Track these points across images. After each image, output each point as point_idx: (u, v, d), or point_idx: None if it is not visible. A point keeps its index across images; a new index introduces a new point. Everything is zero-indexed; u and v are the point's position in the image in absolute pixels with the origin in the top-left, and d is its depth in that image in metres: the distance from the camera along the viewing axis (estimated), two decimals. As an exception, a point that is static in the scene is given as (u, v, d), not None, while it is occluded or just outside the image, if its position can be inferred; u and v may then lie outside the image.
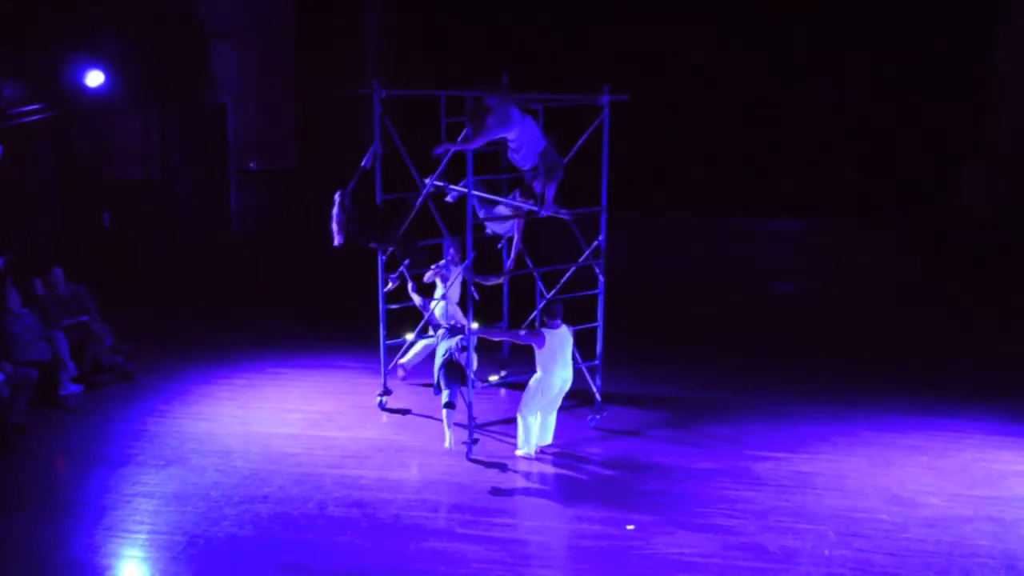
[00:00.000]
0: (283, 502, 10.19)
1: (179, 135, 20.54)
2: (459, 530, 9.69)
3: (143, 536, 9.51)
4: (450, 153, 11.29)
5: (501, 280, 12.66)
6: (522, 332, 11.44)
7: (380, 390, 12.92)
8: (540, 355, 11.12)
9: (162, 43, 18.87)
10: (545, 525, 9.90)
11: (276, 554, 9.21)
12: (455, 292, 13.03)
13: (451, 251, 12.95)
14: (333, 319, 16.54)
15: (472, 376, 11.60)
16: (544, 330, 11.12)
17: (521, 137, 11.24)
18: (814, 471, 11.19)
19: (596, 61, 18.91)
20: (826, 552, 9.44)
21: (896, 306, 17.96)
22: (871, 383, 14.04)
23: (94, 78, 16.26)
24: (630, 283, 14.89)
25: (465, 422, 11.42)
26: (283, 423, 12.26)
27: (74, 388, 13.09)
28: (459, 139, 11.67)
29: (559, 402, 11.45)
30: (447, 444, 11.46)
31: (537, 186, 11.61)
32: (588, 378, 12.31)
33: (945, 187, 20.78)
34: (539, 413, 11.33)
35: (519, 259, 12.27)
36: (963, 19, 20.06)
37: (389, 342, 13.06)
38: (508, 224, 12.09)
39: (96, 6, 17.44)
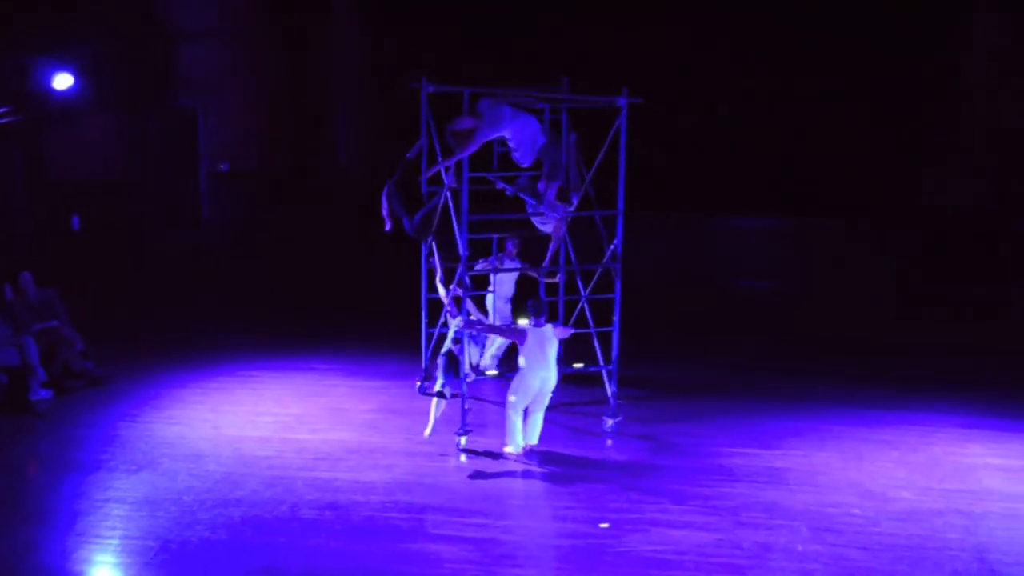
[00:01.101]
0: (256, 505, 10.14)
1: (149, 138, 20.45)
2: (433, 531, 9.67)
3: (115, 542, 9.44)
4: (453, 161, 11.30)
5: (556, 279, 12.99)
6: (505, 327, 11.49)
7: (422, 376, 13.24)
8: (522, 352, 11.17)
9: (131, 46, 18.79)
10: (519, 524, 9.90)
11: (249, 558, 9.16)
12: (507, 287, 13.11)
13: (509, 245, 13.28)
14: (304, 321, 16.52)
15: (468, 370, 11.65)
16: (527, 327, 11.15)
17: (516, 136, 11.27)
18: (787, 467, 11.23)
19: (572, 58, 18.97)
20: (799, 547, 9.47)
21: (868, 302, 18.05)
22: (843, 379, 14.14)
23: (63, 81, 16.18)
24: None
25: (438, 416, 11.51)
26: (255, 426, 12.22)
27: (44, 393, 13.03)
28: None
29: (545, 401, 11.43)
30: (426, 432, 11.54)
31: (541, 185, 11.64)
32: (606, 381, 12.30)
33: (916, 183, 20.93)
34: (525, 411, 11.35)
35: (554, 258, 12.67)
36: (930, 14, 20.23)
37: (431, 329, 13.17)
38: (551, 224, 12.39)
39: (65, 10, 17.36)
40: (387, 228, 12.35)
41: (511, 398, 11.26)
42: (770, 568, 9.11)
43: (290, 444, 11.69)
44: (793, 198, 20.35)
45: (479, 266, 13.02)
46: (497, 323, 12.94)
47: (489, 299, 13.31)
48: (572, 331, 11.85)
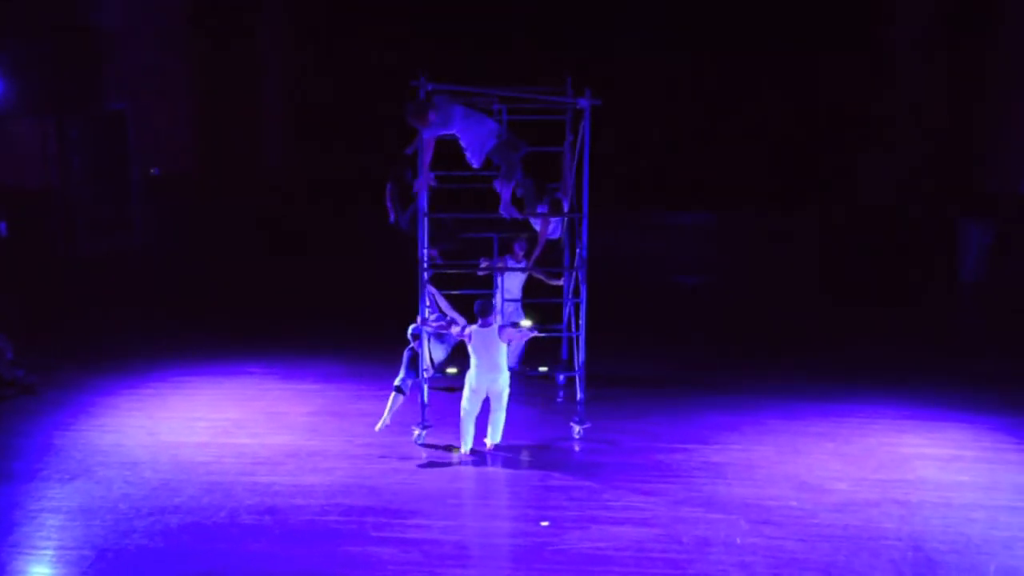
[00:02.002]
0: (194, 512, 10.04)
1: (77, 142, 20.17)
2: (374, 533, 9.63)
3: (50, 552, 9.30)
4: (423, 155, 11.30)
5: (561, 282, 13.16)
6: (456, 325, 11.47)
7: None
8: (470, 351, 11.20)
9: (57, 49, 18.52)
10: (460, 525, 9.88)
11: (188, 565, 9.07)
12: (513, 289, 13.29)
13: (516, 247, 13.27)
14: (239, 325, 16.36)
15: (428, 367, 11.70)
16: (474, 327, 11.13)
17: (466, 136, 11.22)
18: (725, 461, 11.32)
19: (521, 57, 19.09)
20: (738, 540, 9.55)
21: (802, 296, 18.24)
22: (778, 373, 14.28)
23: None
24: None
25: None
26: (191, 432, 12.08)
27: (-26, 403, 12.81)
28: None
29: (502, 401, 11.39)
30: (377, 426, 11.61)
31: (497, 185, 11.62)
32: (578, 387, 12.12)
33: (847, 178, 21.24)
34: (485, 411, 11.35)
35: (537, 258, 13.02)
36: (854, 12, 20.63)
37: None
38: (552, 226, 12.74)
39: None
40: (390, 220, 12.48)
41: (463, 398, 11.30)
42: (709, 562, 9.18)
43: (228, 449, 11.58)
44: (722, 193, 20.59)
45: (483, 265, 13.03)
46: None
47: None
48: (521, 333, 11.82)
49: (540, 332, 12.33)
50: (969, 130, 20.72)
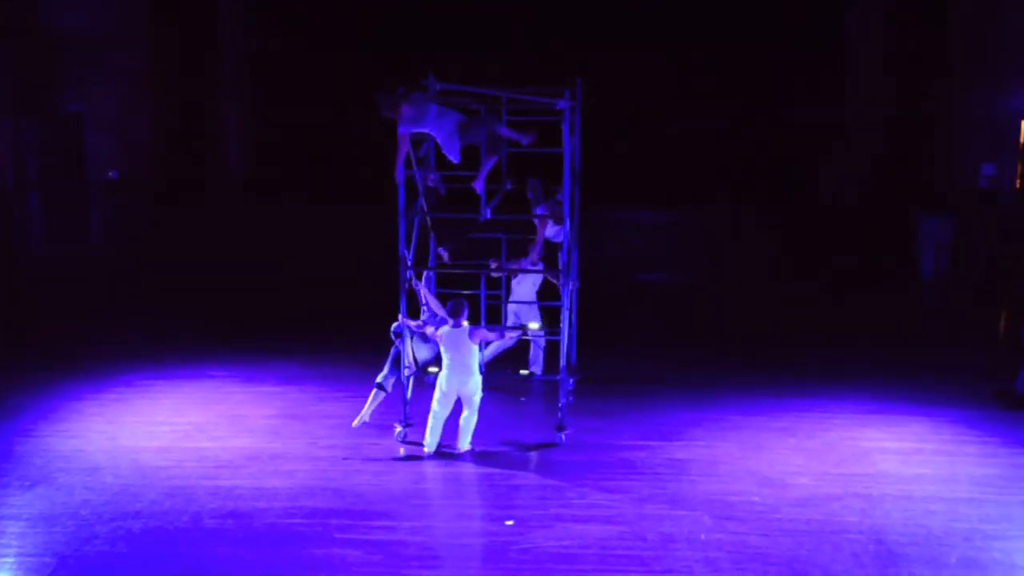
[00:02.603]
0: (156, 517, 9.96)
1: (34, 145, 19.99)
2: (338, 535, 9.59)
3: (10, 560, 9.20)
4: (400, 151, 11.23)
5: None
6: (431, 326, 11.43)
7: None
8: (442, 351, 11.20)
9: (14, 50, 18.36)
10: (424, 525, 9.86)
11: (151, 570, 9.00)
12: (524, 291, 13.25)
13: (531, 249, 13.18)
14: (199, 328, 16.25)
15: (409, 364, 11.70)
16: (444, 326, 11.11)
17: (439, 134, 11.16)
18: (688, 457, 11.37)
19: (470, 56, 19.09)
20: (702, 536, 9.59)
21: (762, 293, 18.34)
22: (740, 368, 14.36)
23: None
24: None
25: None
26: (153, 436, 11.99)
27: (-68, 410, 12.66)
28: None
29: (473, 405, 11.30)
30: (355, 422, 11.71)
31: (476, 186, 11.51)
32: (561, 392, 11.99)
33: (808, 175, 21.40)
34: (456, 412, 11.31)
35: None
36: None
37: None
38: (553, 229, 12.82)
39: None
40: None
41: (432, 400, 11.28)
42: (674, 558, 9.21)
43: (189, 453, 11.50)
44: (681, 191, 20.70)
45: (493, 266, 13.01)
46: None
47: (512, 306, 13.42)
48: (492, 335, 11.75)
49: (526, 336, 12.36)
50: (928, 127, 20.92)
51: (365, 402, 11.86)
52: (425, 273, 12.39)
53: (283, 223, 20.97)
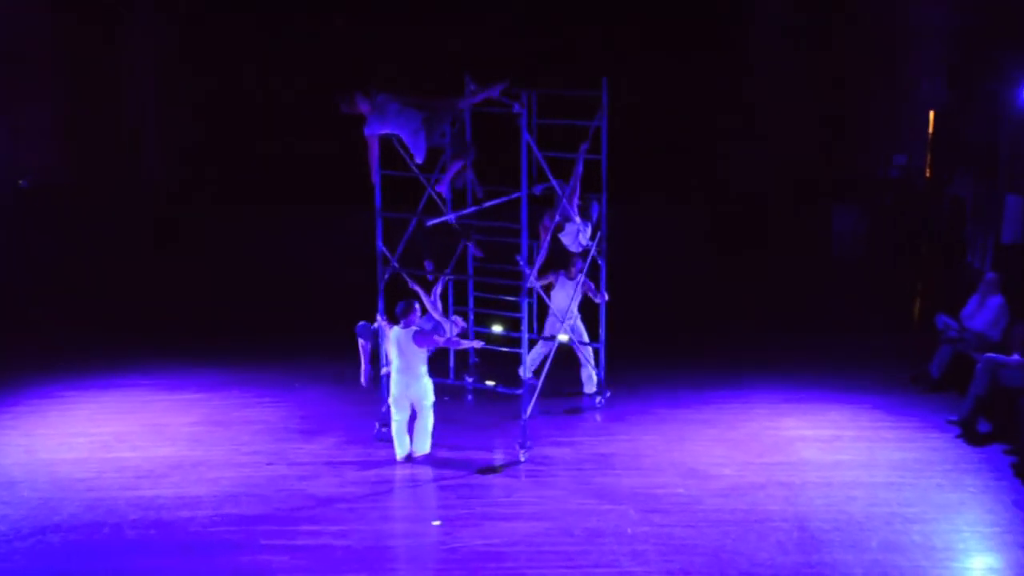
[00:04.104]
0: (76, 530, 9.79)
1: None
2: (263, 541, 9.51)
3: (-75, 579, 9.02)
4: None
5: (605, 297, 12.83)
6: (367, 328, 11.34)
7: None
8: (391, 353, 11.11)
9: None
10: (351, 529, 9.80)
11: (72, 584, 8.87)
12: (561, 302, 12.75)
13: (577, 262, 12.79)
14: (115, 337, 15.92)
15: (386, 370, 11.58)
16: (396, 327, 10.99)
17: (403, 132, 11.01)
18: (612, 452, 11.43)
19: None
20: (629, 530, 9.66)
21: (678, 285, 18.46)
22: (660, 362, 14.42)
23: None
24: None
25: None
26: (71, 448, 11.75)
27: None
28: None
29: (422, 409, 11.12)
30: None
31: (441, 187, 11.34)
32: (522, 406, 11.51)
33: (721, 168, 21.62)
34: (404, 417, 11.19)
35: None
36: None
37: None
38: (570, 238, 12.29)
39: None
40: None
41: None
42: (601, 552, 9.27)
43: (109, 464, 11.30)
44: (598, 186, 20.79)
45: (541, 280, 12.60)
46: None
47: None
48: (441, 341, 11.37)
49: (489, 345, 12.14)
50: (840, 119, 21.24)
51: (286, 407, 11.75)
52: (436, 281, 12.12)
53: (199, 226, 20.71)
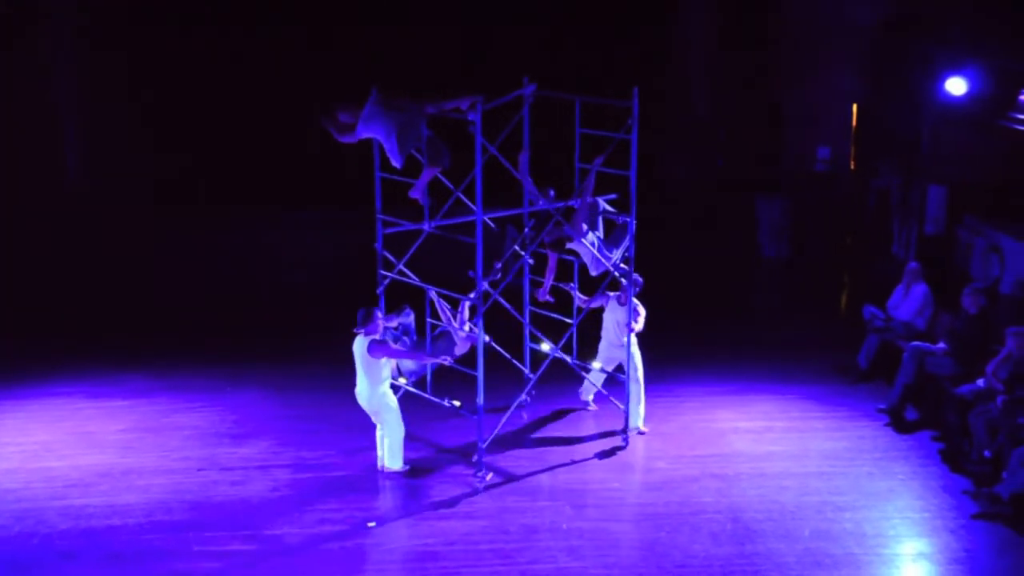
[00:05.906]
0: (4, 541, 9.62)
1: None
2: (196, 548, 9.42)
3: None
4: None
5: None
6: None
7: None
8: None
9: None
10: (285, 532, 9.74)
11: (0, 597, 8.72)
12: (609, 327, 12.28)
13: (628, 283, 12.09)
14: (39, 344, 15.62)
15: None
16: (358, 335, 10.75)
17: (379, 137, 10.89)
18: (546, 448, 11.45)
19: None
20: (564, 526, 9.70)
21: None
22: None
23: None
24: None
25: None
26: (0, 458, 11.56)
27: None
28: None
29: (381, 420, 10.82)
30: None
31: (415, 193, 11.09)
32: (478, 431, 10.99)
33: (649, 167, 21.73)
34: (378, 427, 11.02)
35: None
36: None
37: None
38: (587, 259, 11.72)
39: None
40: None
41: None
42: (538, 549, 9.30)
43: (37, 473, 11.09)
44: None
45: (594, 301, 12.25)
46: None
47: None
48: (389, 349, 11.05)
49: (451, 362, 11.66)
50: (762, 114, 21.44)
51: (217, 412, 11.61)
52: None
53: (124, 227, 20.45)
